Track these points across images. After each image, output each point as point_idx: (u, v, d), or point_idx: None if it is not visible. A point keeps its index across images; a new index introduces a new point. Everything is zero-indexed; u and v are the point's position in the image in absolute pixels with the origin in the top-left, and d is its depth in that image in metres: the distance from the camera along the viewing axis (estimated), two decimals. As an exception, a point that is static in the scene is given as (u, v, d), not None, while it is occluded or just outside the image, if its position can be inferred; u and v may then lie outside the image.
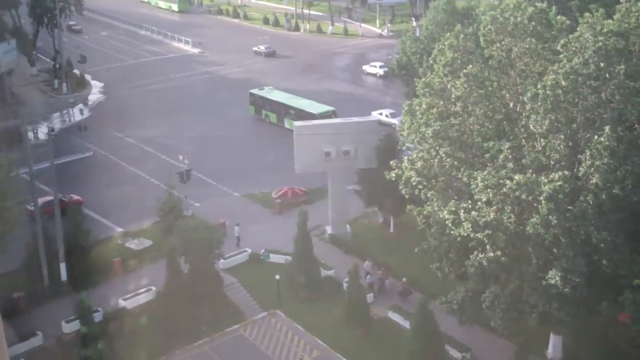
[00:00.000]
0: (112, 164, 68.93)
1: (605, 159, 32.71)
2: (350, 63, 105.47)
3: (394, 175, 40.35)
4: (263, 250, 51.46)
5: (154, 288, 46.55)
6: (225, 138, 74.93)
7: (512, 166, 34.59)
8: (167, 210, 51.64)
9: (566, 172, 33.22)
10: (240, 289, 48.06)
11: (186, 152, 66.25)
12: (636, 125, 35.54)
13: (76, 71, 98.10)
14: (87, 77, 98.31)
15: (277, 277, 46.49)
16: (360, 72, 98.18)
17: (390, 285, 47.61)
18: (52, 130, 65.82)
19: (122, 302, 46.16)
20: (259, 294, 47.22)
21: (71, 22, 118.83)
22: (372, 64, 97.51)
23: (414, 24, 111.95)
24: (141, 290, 47.08)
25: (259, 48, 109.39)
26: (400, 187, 40.27)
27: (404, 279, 46.84)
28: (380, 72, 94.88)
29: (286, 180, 59.97)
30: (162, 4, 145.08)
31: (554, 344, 40.00)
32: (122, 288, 47.89)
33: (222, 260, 49.13)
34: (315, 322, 44.50)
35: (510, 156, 35.42)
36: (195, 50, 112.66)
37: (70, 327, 43.60)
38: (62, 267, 48.27)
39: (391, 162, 41.53)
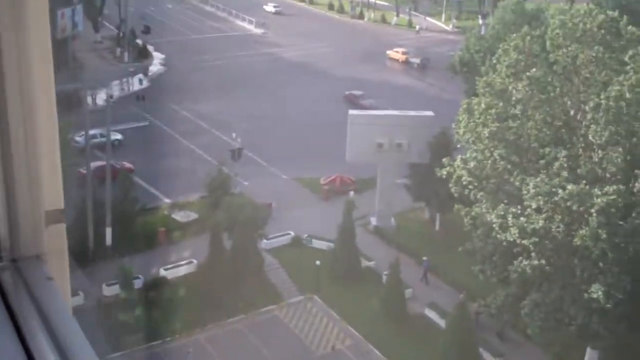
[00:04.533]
0: (166, 136, 69.51)
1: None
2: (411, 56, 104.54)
3: (445, 172, 40.03)
4: (306, 235, 51.56)
5: (195, 261, 47.03)
6: (280, 119, 75.01)
7: (566, 175, 34.01)
8: (216, 185, 52.00)
9: (621, 187, 32.54)
10: (280, 270, 48.26)
11: (240, 131, 66.48)
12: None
13: (139, 41, 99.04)
14: (150, 48, 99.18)
15: (318, 262, 46.58)
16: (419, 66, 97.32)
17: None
18: (111, 97, 66.61)
19: (162, 272, 46.75)
20: (298, 278, 47.34)
21: None
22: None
23: (480, 21, 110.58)
24: (182, 262, 47.61)
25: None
26: (450, 186, 39.95)
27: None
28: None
29: (336, 168, 59.84)
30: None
31: (589, 358, 39.32)
32: (164, 258, 48.48)
33: (264, 241, 49.37)
34: (351, 312, 44.47)
35: (565, 165, 34.82)
36: (259, 31, 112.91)
37: (110, 290, 44.29)
38: (108, 231, 49.00)
39: (444, 160, 41.19)
